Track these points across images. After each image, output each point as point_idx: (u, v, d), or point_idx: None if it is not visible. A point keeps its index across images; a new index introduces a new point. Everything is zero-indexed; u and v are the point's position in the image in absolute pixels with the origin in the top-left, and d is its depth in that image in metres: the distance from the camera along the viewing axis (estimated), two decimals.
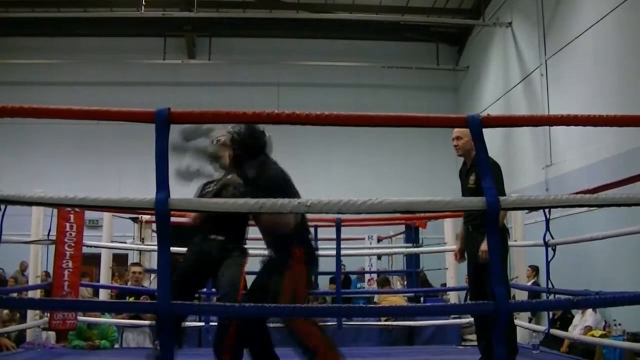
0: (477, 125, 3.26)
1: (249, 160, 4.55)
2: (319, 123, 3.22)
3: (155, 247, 3.22)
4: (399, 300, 10.69)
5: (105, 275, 9.21)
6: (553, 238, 6.49)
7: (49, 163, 19.42)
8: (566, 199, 3.36)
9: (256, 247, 5.71)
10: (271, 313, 3.67)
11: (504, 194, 5.30)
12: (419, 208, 3.22)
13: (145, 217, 10.26)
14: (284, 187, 4.39)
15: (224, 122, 3.29)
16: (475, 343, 6.40)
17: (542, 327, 7.57)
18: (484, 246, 5.31)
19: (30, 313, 7.38)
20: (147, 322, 7.85)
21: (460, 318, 8.83)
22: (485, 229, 3.34)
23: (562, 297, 5.89)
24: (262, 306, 3.27)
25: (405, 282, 13.73)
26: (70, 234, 7.06)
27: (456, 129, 5.76)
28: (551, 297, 6.77)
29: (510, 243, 7.49)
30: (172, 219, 3.29)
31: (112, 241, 9.32)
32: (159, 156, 3.11)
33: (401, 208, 3.12)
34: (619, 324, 10.17)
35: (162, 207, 3.06)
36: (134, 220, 10.80)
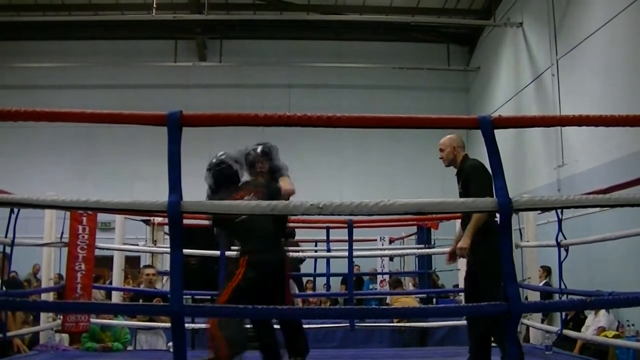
0: (488, 126, 3.25)
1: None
2: (331, 125, 3.23)
3: (168, 250, 3.22)
4: (411, 302, 10.68)
5: (117, 277, 9.25)
6: (565, 238, 6.47)
7: (62, 165, 19.53)
8: (578, 199, 3.35)
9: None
10: (279, 314, 3.68)
11: (490, 195, 5.35)
12: (431, 209, 3.23)
13: (158, 220, 10.30)
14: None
15: (235, 124, 3.28)
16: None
17: (555, 328, 7.55)
18: (461, 243, 5.42)
19: (43, 315, 7.40)
20: (160, 325, 7.87)
21: None
22: (499, 230, 3.32)
23: (575, 297, 5.88)
24: (272, 308, 3.27)
25: (417, 281, 13.73)
26: (83, 237, 7.07)
27: (440, 141, 5.88)
28: (564, 297, 6.75)
29: (522, 243, 7.51)
30: (185, 221, 3.30)
31: (124, 243, 9.35)
32: (172, 159, 3.12)
33: (413, 209, 3.13)
34: (632, 325, 10.15)
35: (174, 209, 3.07)
36: (146, 222, 10.84)
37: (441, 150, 5.91)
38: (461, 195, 5.68)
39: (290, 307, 3.65)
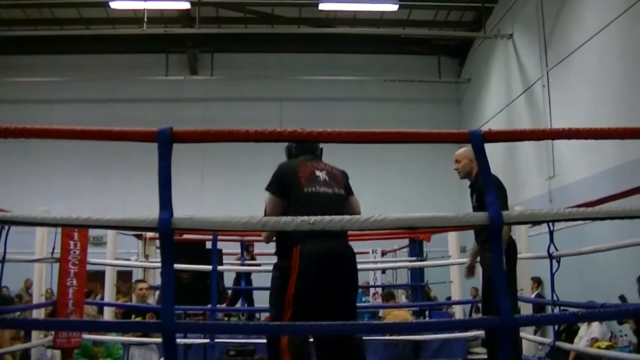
0: (479, 140, 3.25)
1: None
2: (322, 140, 3.24)
3: (159, 264, 3.22)
4: (404, 315, 10.67)
5: (109, 292, 9.22)
6: (557, 250, 6.48)
7: (54, 179, 19.51)
8: (569, 212, 3.35)
9: None
10: (274, 331, 3.66)
11: (507, 209, 5.36)
12: (422, 224, 3.23)
13: (150, 234, 10.28)
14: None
15: (226, 140, 3.28)
16: (482, 356, 6.40)
17: (548, 340, 7.55)
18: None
19: (34, 331, 7.37)
20: (153, 340, 7.84)
21: (466, 331, 8.81)
22: (493, 245, 3.32)
23: (568, 309, 5.88)
24: (265, 324, 3.26)
25: (410, 293, 13.72)
26: (75, 252, 7.03)
27: (456, 153, 5.86)
28: (556, 309, 6.76)
29: None
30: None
31: (116, 258, 9.33)
32: (162, 175, 3.10)
33: (404, 225, 3.12)
34: (625, 335, 10.15)
35: (165, 226, 3.05)
36: (138, 237, 10.82)
37: (457, 161, 5.90)
38: (474, 208, 5.67)
39: (281, 323, 3.63)
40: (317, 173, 4.77)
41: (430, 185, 20.01)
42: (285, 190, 4.69)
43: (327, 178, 4.79)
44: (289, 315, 4.32)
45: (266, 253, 12.11)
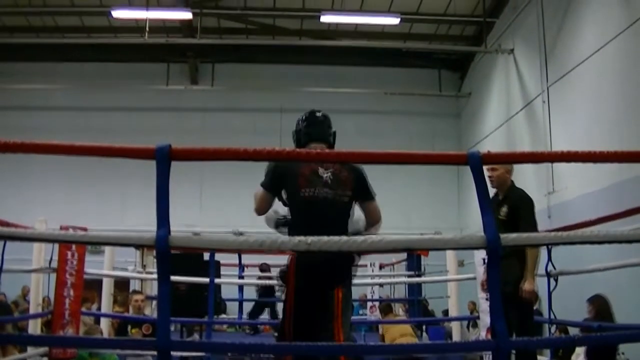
0: (477, 162, 3.25)
1: None
2: (320, 160, 3.24)
3: (156, 275, 3.21)
4: (406, 329, 10.59)
5: (106, 302, 9.21)
6: (555, 269, 6.49)
7: (52, 187, 19.46)
8: (567, 235, 3.34)
9: None
10: (272, 349, 3.65)
11: (536, 229, 5.41)
12: (419, 246, 3.23)
13: None
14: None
15: (225, 159, 3.28)
16: None
17: (545, 358, 7.55)
18: (526, 286, 5.47)
19: None
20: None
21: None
22: (487, 266, 3.32)
23: (565, 329, 5.88)
24: (261, 344, 3.25)
25: (407, 307, 13.69)
26: (72, 262, 7.01)
27: None
28: (553, 327, 6.76)
29: None
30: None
31: (114, 266, 9.33)
32: (160, 193, 3.09)
33: (401, 246, 3.13)
34: (623, 353, 10.10)
35: (162, 244, 3.05)
36: (136, 246, 10.83)
37: (494, 169, 5.71)
38: (501, 221, 5.59)
39: (280, 344, 3.61)
40: (320, 172, 4.36)
41: (429, 201, 20.00)
42: (282, 189, 4.53)
43: (330, 178, 4.40)
44: (287, 324, 4.39)
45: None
